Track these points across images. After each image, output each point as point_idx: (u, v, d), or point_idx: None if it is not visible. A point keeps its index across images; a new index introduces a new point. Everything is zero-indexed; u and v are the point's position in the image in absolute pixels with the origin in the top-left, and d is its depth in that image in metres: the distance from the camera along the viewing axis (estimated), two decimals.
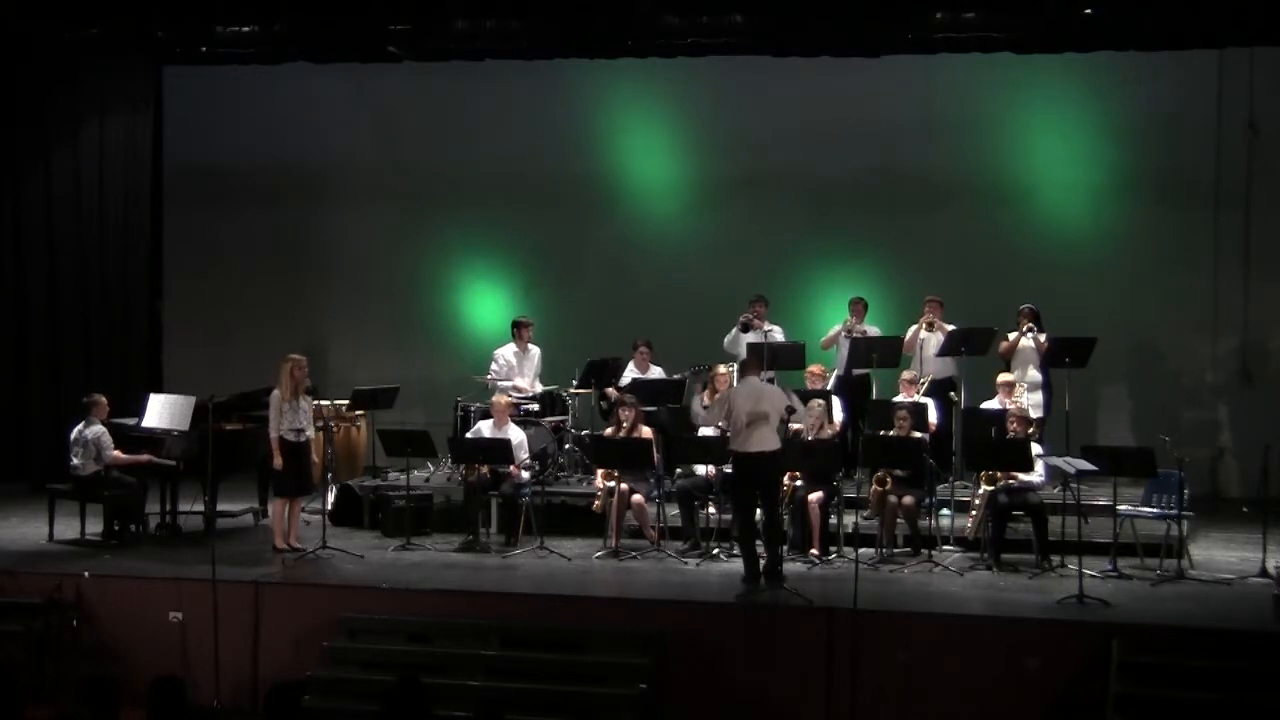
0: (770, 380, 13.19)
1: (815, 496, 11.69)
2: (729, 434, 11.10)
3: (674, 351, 14.12)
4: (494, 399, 12.82)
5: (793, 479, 11.87)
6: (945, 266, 14.82)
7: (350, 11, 14.59)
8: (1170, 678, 9.55)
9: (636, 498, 12.10)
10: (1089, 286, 14.83)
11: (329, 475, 13.23)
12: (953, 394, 13.14)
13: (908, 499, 11.68)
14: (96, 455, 12.19)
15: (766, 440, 10.87)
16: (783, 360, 13.38)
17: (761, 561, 10.88)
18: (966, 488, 12.55)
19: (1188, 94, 14.82)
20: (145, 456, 12.44)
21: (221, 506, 12.79)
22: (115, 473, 12.32)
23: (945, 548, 11.89)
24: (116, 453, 12.27)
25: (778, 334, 13.79)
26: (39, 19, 14.97)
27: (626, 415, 12.22)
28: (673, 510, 12.24)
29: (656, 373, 13.78)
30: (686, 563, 11.68)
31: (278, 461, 11.91)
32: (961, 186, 15.28)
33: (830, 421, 12.19)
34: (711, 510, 12.19)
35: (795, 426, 12.10)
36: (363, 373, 15.05)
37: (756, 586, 10.75)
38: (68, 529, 12.46)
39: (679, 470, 12.45)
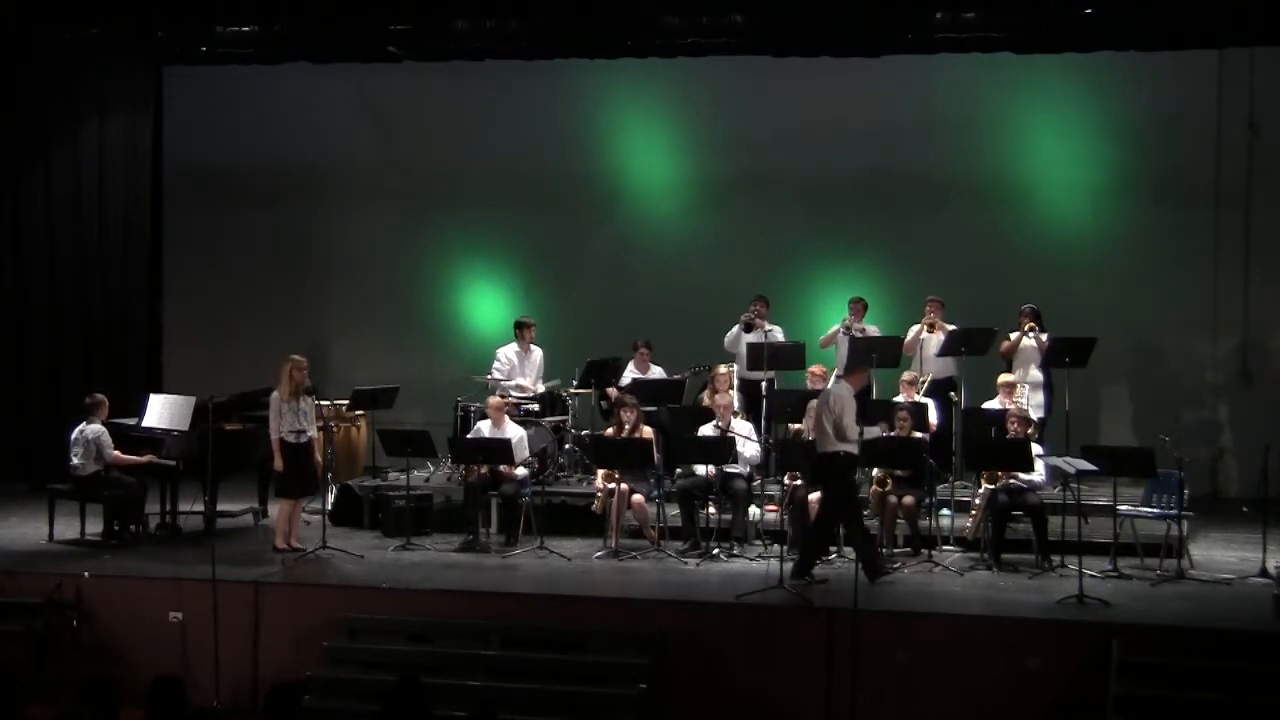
0: (771, 382, 13.23)
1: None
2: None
3: (674, 351, 14.12)
4: (490, 400, 12.81)
5: (792, 479, 11.90)
6: (945, 266, 14.82)
7: (350, 11, 14.60)
8: (1170, 678, 9.55)
9: (637, 498, 12.10)
10: (1089, 286, 14.84)
11: (329, 475, 13.23)
12: (953, 394, 13.13)
13: (908, 499, 11.68)
14: (96, 455, 12.19)
15: (823, 441, 10.98)
16: (783, 360, 13.37)
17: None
18: (966, 488, 12.55)
19: (1188, 94, 14.83)
20: (147, 457, 12.44)
21: (221, 506, 12.79)
22: (115, 473, 12.32)
23: (945, 548, 11.89)
24: (116, 453, 12.27)
25: (778, 334, 13.79)
26: (39, 19, 14.98)
27: (629, 417, 12.21)
28: (673, 510, 12.24)
29: (657, 373, 13.79)
30: (686, 563, 11.68)
31: (278, 463, 11.90)
32: (961, 186, 15.28)
33: None
34: (711, 510, 12.19)
35: (796, 427, 12.19)
36: (363, 373, 15.05)
37: (799, 580, 10.76)
38: (68, 529, 12.46)
39: (679, 470, 12.44)
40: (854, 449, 10.95)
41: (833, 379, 13.53)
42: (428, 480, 13.69)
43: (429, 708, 7.32)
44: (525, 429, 12.76)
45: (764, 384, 13.10)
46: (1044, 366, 13.23)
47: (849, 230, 15.52)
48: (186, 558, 11.54)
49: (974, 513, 11.77)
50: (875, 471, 11.87)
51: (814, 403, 12.00)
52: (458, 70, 15.69)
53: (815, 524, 11.21)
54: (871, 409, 12.82)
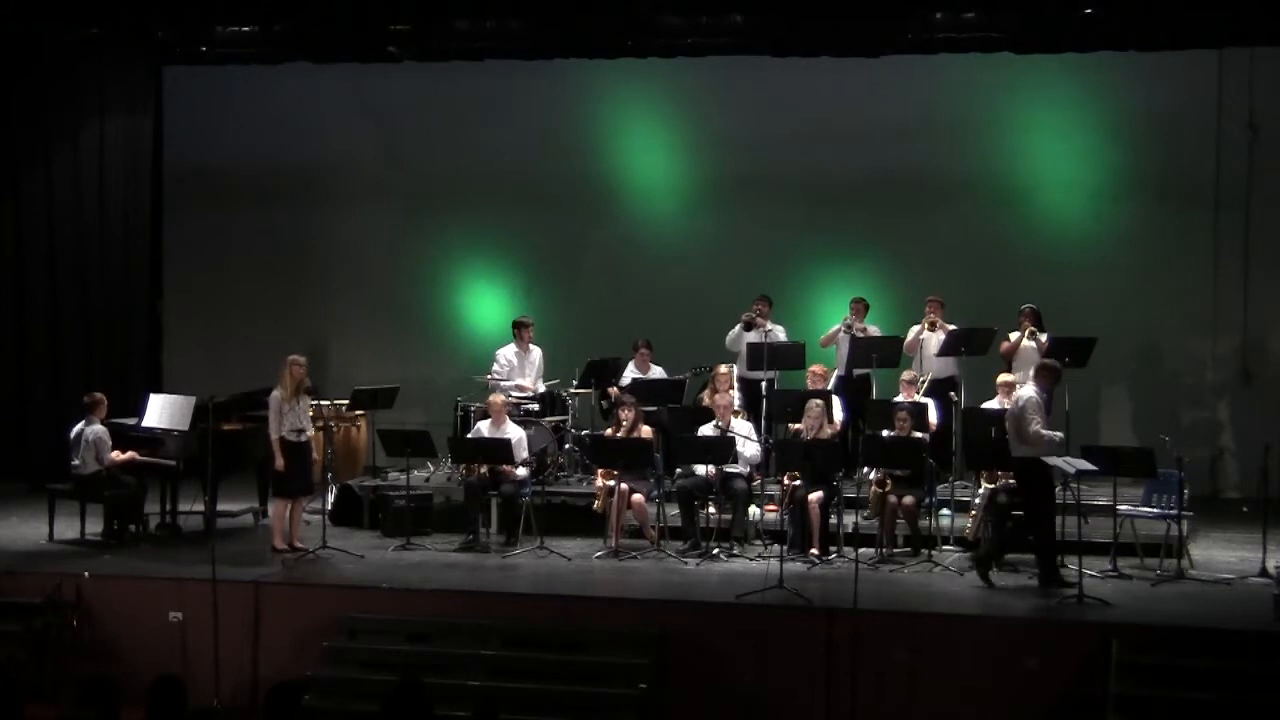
0: (771, 382, 13.23)
1: (815, 496, 11.69)
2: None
3: (674, 351, 14.12)
4: (490, 398, 12.81)
5: (792, 479, 11.89)
6: (945, 266, 14.81)
7: (350, 11, 14.62)
8: (1170, 678, 9.55)
9: (637, 498, 12.09)
10: (1089, 286, 14.83)
11: (329, 475, 13.22)
12: (953, 394, 13.13)
13: (907, 499, 11.68)
14: (96, 455, 12.20)
15: (1013, 445, 10.93)
16: (783, 360, 13.38)
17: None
18: (966, 488, 12.55)
19: (1188, 94, 14.81)
20: (129, 454, 12.41)
21: (221, 506, 12.76)
22: (115, 473, 12.32)
23: (945, 548, 11.89)
24: (115, 454, 12.28)
25: (780, 333, 13.79)
26: (39, 19, 14.99)
27: (627, 416, 12.21)
28: (673, 510, 12.24)
29: (657, 373, 13.79)
30: (686, 563, 11.68)
31: (279, 462, 11.90)
32: (961, 186, 15.26)
33: (830, 421, 12.19)
34: (711, 510, 12.19)
35: (796, 427, 12.17)
36: (363, 373, 15.05)
37: (1053, 590, 10.63)
38: (68, 529, 12.46)
39: (679, 470, 12.44)
40: (1046, 450, 10.78)
41: (840, 376, 13.59)
42: (428, 480, 13.69)
43: (430, 708, 7.29)
44: (525, 429, 12.76)
45: (764, 384, 13.10)
46: None
47: (849, 230, 15.50)
48: (186, 558, 11.53)
49: (974, 513, 11.77)
50: (875, 472, 11.87)
51: (812, 402, 12.01)
52: (458, 70, 15.68)
53: (1030, 531, 10.98)
54: (872, 409, 12.89)
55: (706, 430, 12.17)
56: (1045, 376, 11.15)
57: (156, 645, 10.64)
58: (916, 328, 13.66)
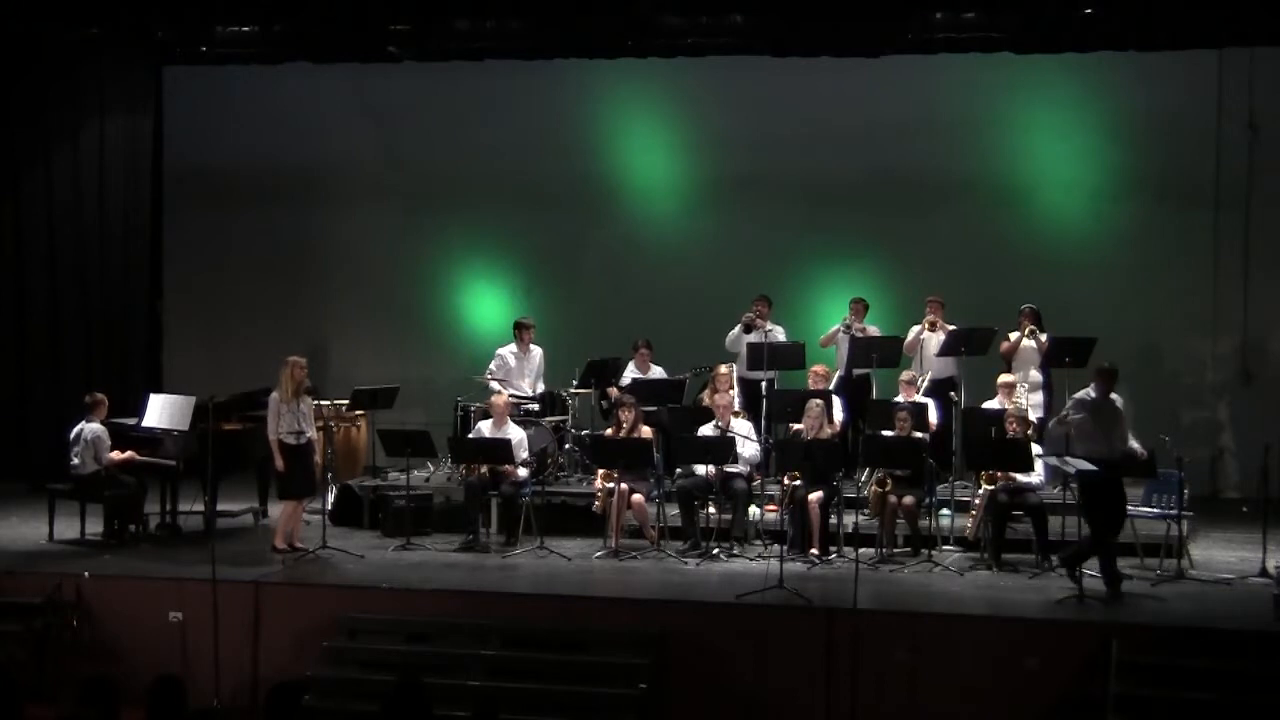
0: (771, 382, 13.22)
1: (815, 496, 11.69)
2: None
3: (674, 351, 14.12)
4: (493, 398, 12.82)
5: (792, 479, 11.89)
6: (945, 266, 14.81)
7: (350, 11, 14.63)
8: (1170, 678, 9.55)
9: (636, 498, 12.09)
10: (1089, 286, 14.83)
11: (329, 475, 13.22)
12: (953, 394, 13.14)
13: (908, 499, 11.68)
14: (95, 455, 12.20)
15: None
16: (783, 360, 13.38)
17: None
18: (966, 488, 12.55)
19: (1188, 94, 14.82)
20: (127, 454, 12.41)
21: (221, 506, 12.77)
22: (115, 473, 12.32)
23: (945, 548, 11.89)
24: (113, 454, 12.27)
25: (779, 334, 13.78)
26: (39, 19, 14.99)
27: (626, 416, 12.21)
28: (673, 510, 12.24)
29: (657, 373, 13.79)
30: (686, 563, 11.68)
31: (279, 464, 11.90)
32: (961, 186, 15.26)
33: (830, 421, 12.19)
34: (711, 510, 12.19)
35: (796, 427, 12.20)
36: (363, 373, 15.05)
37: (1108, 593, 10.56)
38: (68, 529, 12.46)
39: (679, 470, 12.44)
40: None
41: (841, 376, 13.60)
42: (428, 480, 13.69)
43: (430, 708, 7.29)
44: (525, 429, 12.75)
45: (764, 384, 13.10)
46: (1044, 367, 13.24)
47: (849, 230, 15.50)
48: (186, 558, 11.53)
49: (974, 513, 11.77)
50: (875, 472, 11.88)
51: (812, 402, 12.01)
52: (458, 70, 15.68)
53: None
54: (872, 409, 12.89)
55: (706, 430, 12.17)
56: (1101, 380, 11.06)
57: (156, 645, 10.64)
58: (916, 328, 13.67)
